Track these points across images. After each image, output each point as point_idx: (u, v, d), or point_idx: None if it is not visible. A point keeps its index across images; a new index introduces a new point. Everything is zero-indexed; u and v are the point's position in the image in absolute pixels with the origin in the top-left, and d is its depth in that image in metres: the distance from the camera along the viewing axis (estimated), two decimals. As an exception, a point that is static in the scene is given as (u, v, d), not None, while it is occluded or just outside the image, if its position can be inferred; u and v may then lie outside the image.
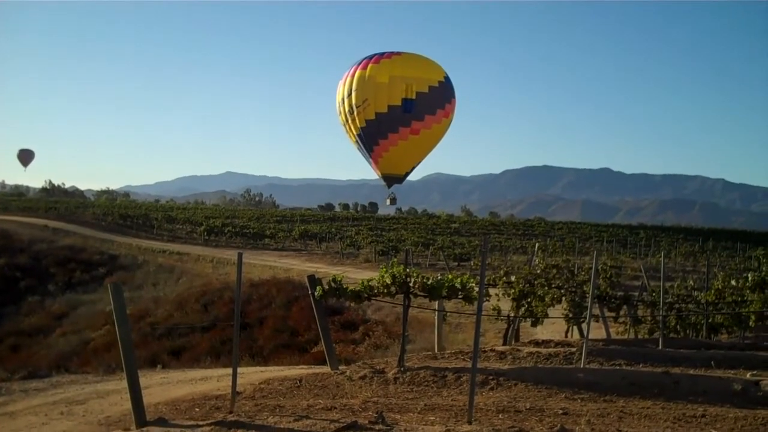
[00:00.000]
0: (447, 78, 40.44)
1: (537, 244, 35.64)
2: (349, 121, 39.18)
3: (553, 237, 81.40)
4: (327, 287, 12.58)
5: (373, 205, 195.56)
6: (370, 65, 38.91)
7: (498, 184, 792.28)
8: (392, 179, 41.39)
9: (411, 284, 11.83)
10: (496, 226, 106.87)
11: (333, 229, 76.86)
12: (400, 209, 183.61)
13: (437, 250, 52.91)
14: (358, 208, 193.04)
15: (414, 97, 38.58)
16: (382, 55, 39.78)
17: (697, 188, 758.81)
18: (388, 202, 42.51)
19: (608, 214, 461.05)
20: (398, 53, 40.17)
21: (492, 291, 14.92)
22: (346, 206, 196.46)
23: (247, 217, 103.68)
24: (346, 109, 39.03)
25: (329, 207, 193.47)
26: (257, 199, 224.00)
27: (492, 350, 13.79)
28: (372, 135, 38.81)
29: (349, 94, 38.70)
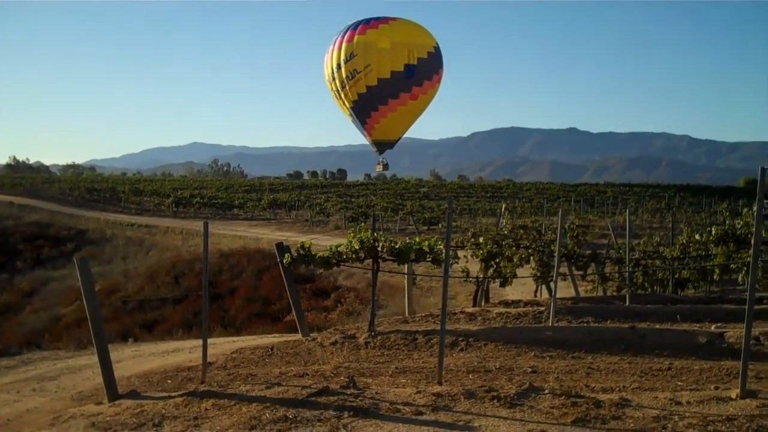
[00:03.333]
0: (437, 45, 40.92)
1: (504, 205, 35.75)
2: (346, 88, 39.09)
3: (521, 198, 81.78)
4: (296, 255, 12.60)
5: (342, 172, 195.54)
6: (368, 31, 38.97)
7: (466, 147, 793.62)
8: (385, 145, 41.65)
9: (379, 249, 11.87)
10: (465, 189, 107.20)
11: (302, 198, 76.76)
12: (368, 175, 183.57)
13: (406, 215, 53.09)
14: (327, 176, 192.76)
15: (416, 62, 38.96)
16: (377, 20, 39.89)
17: (663, 146, 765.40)
18: (380, 168, 42.66)
19: (576, 174, 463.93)
20: (393, 18, 40.37)
21: (461, 253, 14.98)
22: (314, 174, 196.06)
23: (215, 187, 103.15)
24: (342, 76, 38.95)
25: (298, 175, 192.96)
26: (225, 169, 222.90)
27: (462, 312, 13.90)
28: (371, 101, 38.97)
29: (347, 60, 38.65)
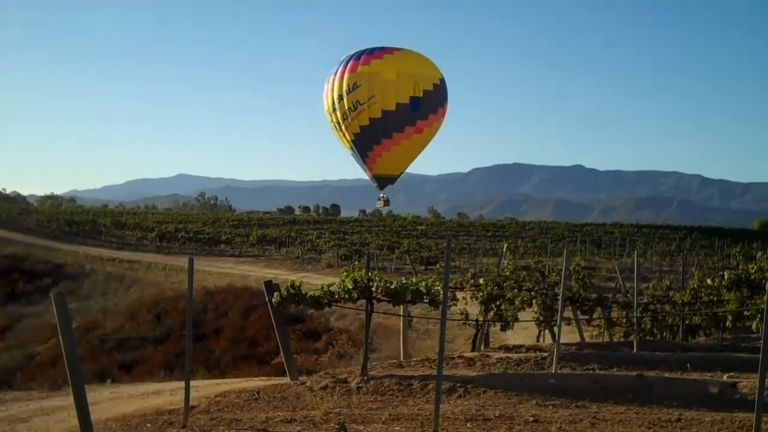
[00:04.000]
0: (443, 77, 41.18)
1: (506, 245, 35.75)
2: (348, 120, 39.08)
3: (524, 238, 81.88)
4: (285, 293, 12.58)
5: (335, 208, 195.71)
6: (373, 61, 39.01)
7: (466, 184, 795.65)
8: (386, 180, 41.66)
9: (373, 289, 11.86)
10: (465, 227, 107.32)
11: (293, 233, 76.69)
12: (364, 211, 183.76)
13: (403, 254, 53.03)
14: (320, 211, 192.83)
15: (421, 95, 39.07)
16: (381, 50, 40.04)
17: (674, 185, 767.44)
18: (380, 204, 42.67)
19: (582, 213, 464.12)
20: (396, 49, 40.55)
21: (459, 295, 14.95)
22: (306, 209, 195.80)
23: (201, 221, 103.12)
24: (345, 108, 38.95)
25: (289, 210, 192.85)
26: (212, 202, 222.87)
27: (460, 357, 13.86)
28: (374, 134, 38.94)
29: (350, 91, 38.64)
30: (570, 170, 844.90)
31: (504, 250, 29.88)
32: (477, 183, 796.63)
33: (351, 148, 40.32)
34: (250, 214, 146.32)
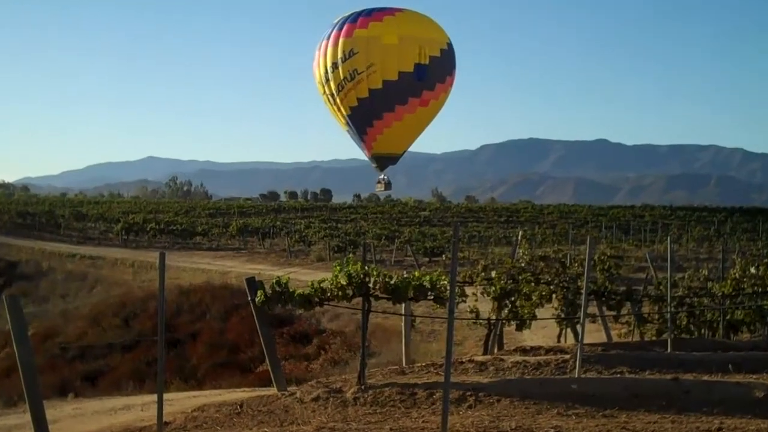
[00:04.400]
0: (450, 41, 40.97)
1: (521, 233, 35.73)
2: (343, 91, 38.90)
3: (542, 223, 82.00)
4: (270, 292, 12.57)
5: (326, 193, 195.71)
6: (371, 24, 38.77)
7: (475, 163, 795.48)
8: (387, 160, 41.55)
9: (371, 285, 11.85)
10: (474, 212, 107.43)
11: (278, 223, 76.75)
12: (359, 196, 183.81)
13: (404, 244, 53.07)
14: (309, 197, 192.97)
15: (427, 62, 38.82)
16: (381, 11, 39.77)
17: (711, 160, 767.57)
18: (381, 187, 42.55)
19: (607, 194, 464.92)
20: (398, 10, 40.30)
21: (469, 290, 14.97)
22: (293, 194, 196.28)
23: (173, 210, 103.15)
24: (339, 78, 38.72)
25: (273, 196, 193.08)
26: (186, 188, 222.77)
27: (471, 361, 13.88)
28: (373, 107, 38.76)
29: (346, 58, 38.42)
30: (593, 145, 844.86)
31: (519, 238, 29.82)
32: (487, 162, 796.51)
33: (347, 123, 40.16)
34: (229, 202, 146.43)
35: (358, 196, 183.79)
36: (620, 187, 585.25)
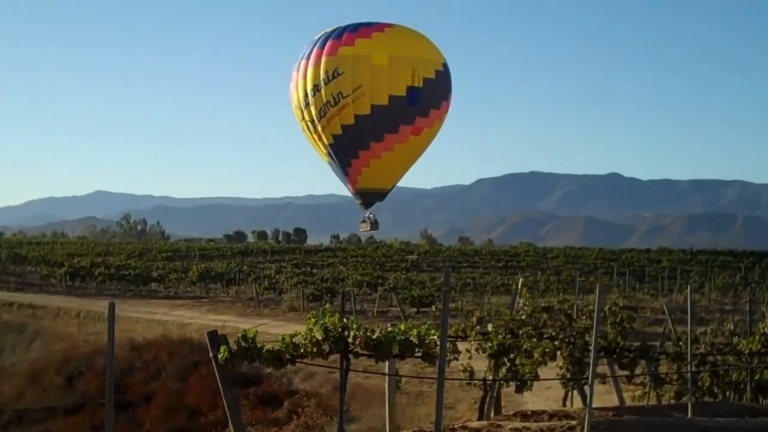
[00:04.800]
0: (446, 62, 41.05)
1: (522, 280, 35.76)
2: (325, 118, 38.81)
3: (545, 269, 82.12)
4: (235, 347, 12.53)
5: (300, 233, 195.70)
6: (358, 41, 38.71)
7: (470, 199, 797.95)
8: (374, 196, 41.43)
9: (350, 340, 11.84)
10: (469, 256, 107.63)
11: (245, 267, 76.66)
12: (337, 237, 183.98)
13: (388, 292, 53.04)
14: (280, 237, 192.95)
15: (421, 84, 38.83)
16: (368, 27, 39.69)
17: (738, 197, 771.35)
18: (366, 227, 42.37)
19: (620, 236, 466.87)
20: (388, 25, 40.25)
21: (462, 346, 14.96)
22: (262, 235, 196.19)
23: (125, 253, 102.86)
24: (321, 102, 38.66)
25: (239, 236, 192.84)
26: (140, 227, 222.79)
27: (464, 427, 13.85)
28: (360, 136, 38.63)
29: (329, 80, 38.35)
30: (604, 180, 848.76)
31: (519, 286, 29.88)
32: (483, 198, 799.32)
33: (328, 154, 40.12)
34: (189, 243, 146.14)
35: (336, 237, 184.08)
36: (635, 227, 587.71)
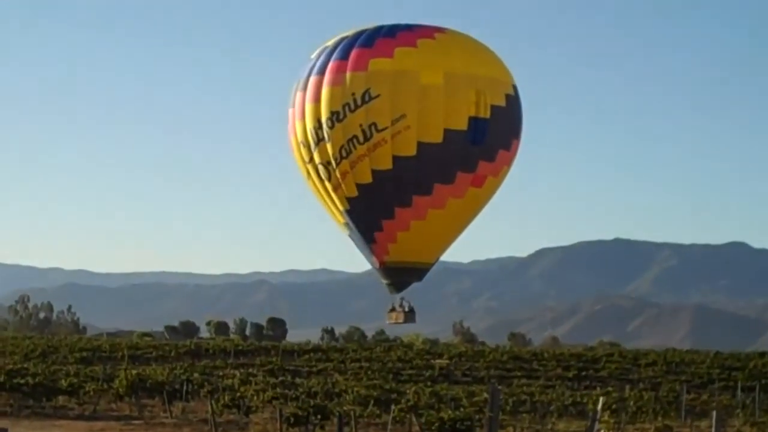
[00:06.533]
0: (515, 85, 40.54)
1: (602, 399, 35.70)
2: (347, 160, 37.73)
3: (636, 382, 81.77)
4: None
5: (277, 325, 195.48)
6: (397, 49, 37.54)
7: (526, 278, 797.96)
8: (410, 273, 41.11)
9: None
10: (525, 361, 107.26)
11: (196, 375, 76.53)
12: (331, 330, 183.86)
13: (405, 414, 52.94)
14: (248, 331, 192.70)
15: (488, 115, 38.06)
16: (409, 30, 38.63)
17: None
18: (396, 318, 42.24)
19: (748, 333, 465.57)
20: (439, 29, 39.42)
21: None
22: (222, 327, 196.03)
23: (22, 352, 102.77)
24: (344, 137, 37.56)
25: (189, 329, 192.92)
26: (43, 315, 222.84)
27: None
28: (399, 188, 37.94)
29: (356, 107, 36.95)
30: (722, 252, 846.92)
31: (598, 406, 29.89)
32: (546, 277, 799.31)
33: (346, 213, 39.76)
34: (113, 338, 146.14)
35: (329, 332, 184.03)
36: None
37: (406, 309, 41.28)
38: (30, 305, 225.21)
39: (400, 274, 40.37)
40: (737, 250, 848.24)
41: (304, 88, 38.51)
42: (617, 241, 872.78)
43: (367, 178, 37.68)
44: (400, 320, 41.76)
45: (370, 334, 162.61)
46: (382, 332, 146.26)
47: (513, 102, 39.19)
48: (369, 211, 38.66)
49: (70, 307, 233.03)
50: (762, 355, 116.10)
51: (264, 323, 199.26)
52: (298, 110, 38.94)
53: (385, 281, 40.76)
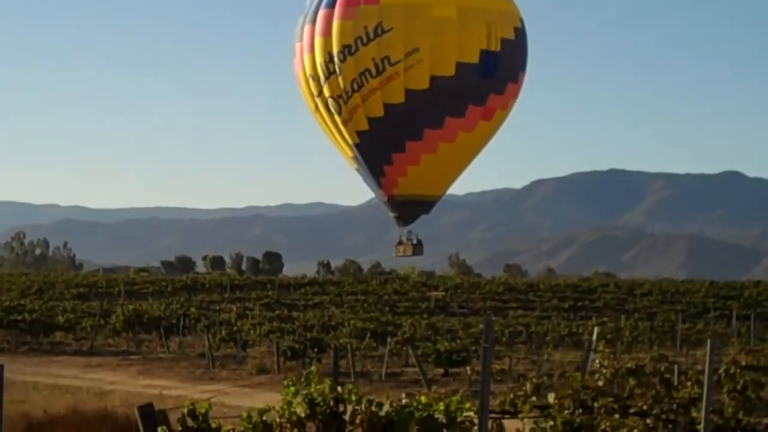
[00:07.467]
0: (522, 18, 40.80)
1: (598, 328, 35.62)
2: (359, 93, 38.01)
3: (632, 312, 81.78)
4: (180, 427, 12.56)
5: (274, 258, 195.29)
6: None
7: (521, 209, 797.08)
8: (418, 206, 41.28)
9: (347, 417, 11.85)
10: (520, 292, 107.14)
11: (193, 310, 76.43)
12: (327, 264, 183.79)
13: (402, 346, 52.91)
14: (244, 266, 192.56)
15: (498, 48, 38.42)
16: None
17: None
18: (404, 251, 42.33)
19: (742, 263, 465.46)
20: None
21: (511, 425, 14.99)
22: (218, 262, 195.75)
23: (18, 288, 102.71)
24: (356, 71, 37.91)
25: (185, 264, 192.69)
26: (39, 251, 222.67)
27: None
28: (411, 121, 38.25)
29: (369, 39, 37.49)
30: (716, 181, 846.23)
31: (594, 337, 29.80)
32: (541, 208, 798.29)
33: (355, 146, 39.81)
34: (110, 274, 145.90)
35: (325, 265, 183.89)
36: (763, 250, 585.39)
37: (414, 242, 41.34)
38: (26, 242, 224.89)
39: (409, 207, 40.54)
40: (732, 179, 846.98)
41: (313, 21, 38.61)
42: (612, 172, 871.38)
43: (379, 112, 37.88)
44: (408, 253, 41.94)
45: (366, 267, 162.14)
46: (378, 265, 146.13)
47: (521, 35, 39.53)
48: (379, 145, 38.77)
49: (66, 243, 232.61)
50: (757, 284, 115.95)
51: (260, 257, 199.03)
52: (307, 43, 39.02)
53: (392, 214, 40.91)
